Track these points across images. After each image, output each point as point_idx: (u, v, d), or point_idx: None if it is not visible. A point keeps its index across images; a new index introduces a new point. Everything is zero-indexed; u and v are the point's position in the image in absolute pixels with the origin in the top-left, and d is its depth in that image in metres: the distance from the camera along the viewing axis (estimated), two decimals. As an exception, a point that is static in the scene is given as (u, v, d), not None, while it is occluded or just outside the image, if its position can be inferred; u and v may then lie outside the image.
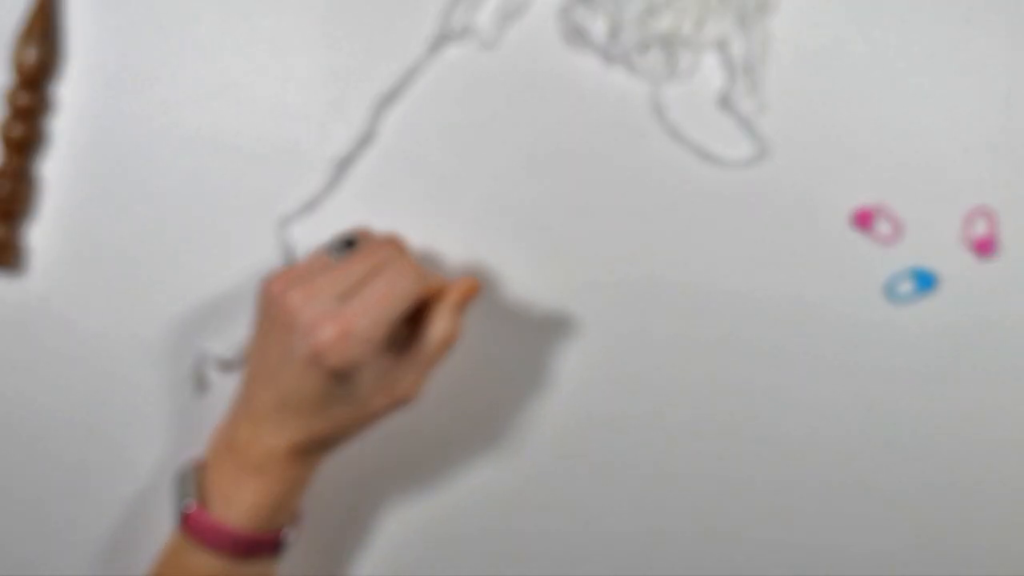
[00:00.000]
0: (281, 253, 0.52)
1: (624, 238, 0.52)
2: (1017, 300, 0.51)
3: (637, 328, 0.52)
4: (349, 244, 0.46)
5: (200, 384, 0.53)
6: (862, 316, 0.52)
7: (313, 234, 0.52)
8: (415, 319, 0.46)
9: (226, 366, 0.53)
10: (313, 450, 0.46)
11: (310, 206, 0.52)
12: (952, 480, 0.52)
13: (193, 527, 0.45)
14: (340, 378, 0.43)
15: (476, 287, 0.47)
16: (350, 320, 0.42)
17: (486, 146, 0.52)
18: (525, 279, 0.52)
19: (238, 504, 0.45)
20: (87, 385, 0.53)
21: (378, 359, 0.44)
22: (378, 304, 0.42)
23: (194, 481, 0.46)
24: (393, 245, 0.45)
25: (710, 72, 0.51)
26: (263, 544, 0.45)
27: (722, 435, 0.52)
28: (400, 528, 0.53)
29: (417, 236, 0.52)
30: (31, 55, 0.51)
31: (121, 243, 0.53)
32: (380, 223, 0.52)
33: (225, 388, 0.53)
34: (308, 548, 0.52)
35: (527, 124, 0.52)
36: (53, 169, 0.53)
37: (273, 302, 0.44)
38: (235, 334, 0.52)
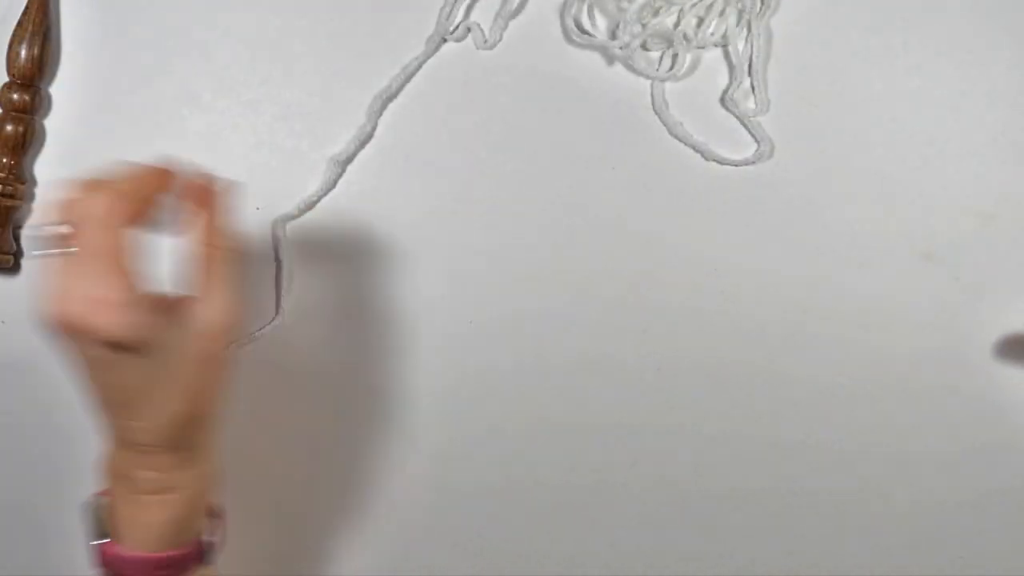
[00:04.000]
0: (279, 253, 0.52)
1: (624, 236, 0.52)
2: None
3: (637, 326, 0.52)
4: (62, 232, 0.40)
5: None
6: (863, 315, 0.52)
7: (312, 233, 0.52)
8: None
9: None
10: (181, 442, 0.42)
11: (309, 206, 0.52)
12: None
13: (109, 563, 0.42)
14: (126, 349, 0.38)
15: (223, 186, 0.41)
16: (87, 290, 0.36)
17: (486, 145, 0.52)
18: (525, 277, 0.52)
19: (145, 528, 0.42)
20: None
21: (165, 311, 0.39)
22: (89, 259, 0.37)
23: (100, 514, 0.43)
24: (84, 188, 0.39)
25: (711, 71, 0.52)
26: (186, 558, 0.43)
27: (727, 433, 0.52)
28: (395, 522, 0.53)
29: (417, 235, 0.52)
30: (26, 53, 0.50)
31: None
32: (379, 222, 0.52)
33: (222, 390, 0.52)
34: (300, 549, 0.52)
35: (527, 122, 0.52)
36: (46, 168, 0.52)
37: (56, 325, 0.39)
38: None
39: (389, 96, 0.52)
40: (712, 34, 0.51)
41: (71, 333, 0.38)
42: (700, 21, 0.51)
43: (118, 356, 0.38)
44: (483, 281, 0.52)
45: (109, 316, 0.37)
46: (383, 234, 0.52)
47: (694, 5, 0.51)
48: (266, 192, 0.52)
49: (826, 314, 0.52)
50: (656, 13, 0.51)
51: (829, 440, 0.52)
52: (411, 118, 0.52)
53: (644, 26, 0.51)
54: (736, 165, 0.51)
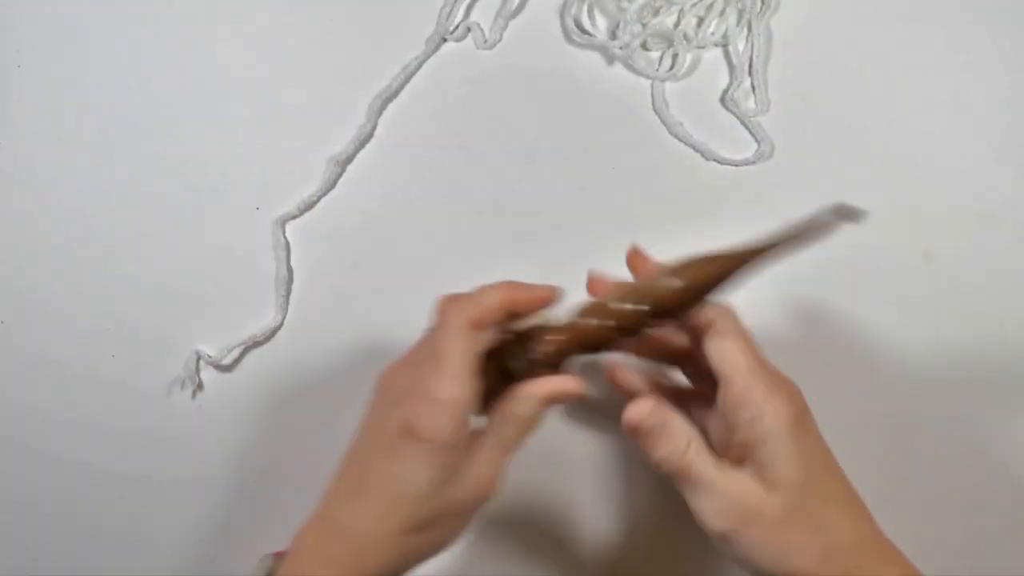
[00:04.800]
0: (279, 253, 0.52)
1: (624, 235, 0.52)
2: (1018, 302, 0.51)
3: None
4: None
5: (195, 385, 0.52)
6: (861, 317, 0.52)
7: (312, 234, 0.52)
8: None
9: (221, 367, 0.52)
10: (383, 554, 0.39)
11: (309, 206, 0.52)
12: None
13: None
14: (428, 453, 0.38)
15: (570, 391, 0.41)
16: (425, 384, 0.38)
17: (486, 145, 0.52)
18: (524, 277, 0.52)
19: None
20: (83, 386, 0.52)
21: (456, 448, 0.39)
22: (437, 359, 0.38)
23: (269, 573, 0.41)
24: (448, 300, 0.41)
25: (711, 71, 0.52)
26: None
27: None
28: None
29: (416, 236, 0.52)
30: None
31: (117, 242, 0.52)
32: (379, 223, 0.52)
33: (220, 389, 0.52)
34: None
35: (527, 122, 0.52)
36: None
37: (378, 380, 0.41)
38: (232, 334, 0.52)
39: (389, 96, 0.52)
40: (712, 34, 0.51)
41: (383, 400, 0.40)
42: (700, 21, 0.51)
43: (411, 449, 0.38)
44: (483, 280, 0.52)
45: (429, 414, 0.38)
46: (383, 234, 0.52)
47: (694, 5, 0.51)
48: (266, 192, 0.52)
49: (826, 314, 0.52)
50: (656, 13, 0.51)
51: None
52: (411, 118, 0.52)
53: (644, 26, 0.51)
54: (736, 165, 0.51)
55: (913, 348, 0.51)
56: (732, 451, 0.40)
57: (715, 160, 0.51)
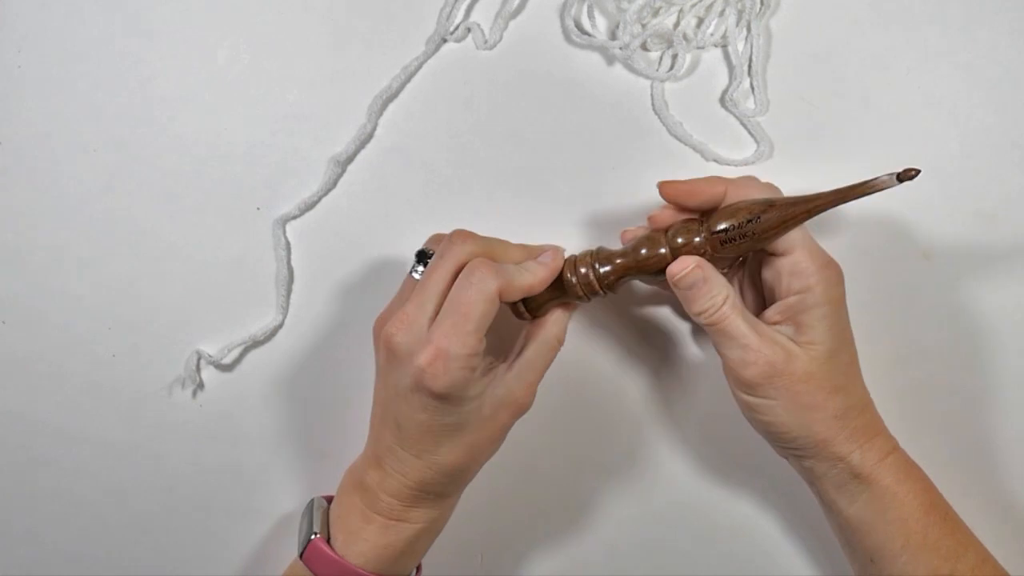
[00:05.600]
0: (279, 253, 0.52)
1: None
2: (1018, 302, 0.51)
3: (637, 325, 0.52)
4: (423, 257, 0.46)
5: (195, 385, 0.52)
6: (862, 317, 0.51)
7: (312, 234, 0.52)
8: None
9: (221, 367, 0.52)
10: (441, 488, 0.44)
11: (309, 206, 0.52)
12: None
13: (313, 558, 0.44)
14: (450, 401, 0.41)
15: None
16: (440, 340, 0.41)
17: (486, 145, 0.52)
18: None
19: (362, 542, 0.44)
20: (83, 386, 0.52)
21: (487, 372, 0.43)
22: (461, 316, 0.41)
23: (322, 513, 0.46)
24: (465, 245, 0.44)
25: (711, 71, 0.52)
26: None
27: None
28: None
29: (416, 236, 0.52)
30: None
31: (117, 242, 0.52)
32: (379, 223, 0.52)
33: (221, 389, 0.52)
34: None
35: (527, 122, 0.52)
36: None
37: (378, 340, 0.44)
38: (232, 334, 0.52)
39: (389, 96, 0.52)
40: (712, 34, 0.51)
41: (392, 359, 0.42)
42: (700, 21, 0.51)
43: (430, 401, 0.42)
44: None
45: (444, 369, 0.41)
46: (383, 234, 0.52)
47: (694, 5, 0.51)
48: (266, 192, 0.52)
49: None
50: (656, 13, 0.51)
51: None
52: (411, 118, 0.52)
53: (644, 26, 0.51)
54: (736, 165, 0.51)
55: (912, 348, 0.51)
56: (771, 314, 0.44)
57: (715, 160, 0.51)
